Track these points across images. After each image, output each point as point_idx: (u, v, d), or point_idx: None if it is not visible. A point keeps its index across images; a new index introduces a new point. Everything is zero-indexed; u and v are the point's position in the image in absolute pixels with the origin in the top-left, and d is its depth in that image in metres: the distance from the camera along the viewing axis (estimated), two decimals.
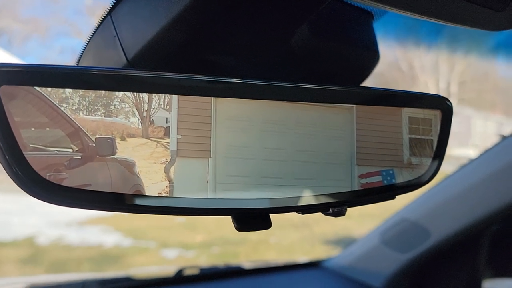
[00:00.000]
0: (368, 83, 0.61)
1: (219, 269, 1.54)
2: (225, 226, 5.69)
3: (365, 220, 5.63)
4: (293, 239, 5.39)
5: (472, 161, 1.33)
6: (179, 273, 1.43)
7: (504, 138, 1.28)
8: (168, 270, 1.50)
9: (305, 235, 5.56)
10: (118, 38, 0.47)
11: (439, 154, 0.56)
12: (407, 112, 0.54)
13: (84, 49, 0.54)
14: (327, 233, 5.68)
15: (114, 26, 0.47)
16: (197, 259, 4.74)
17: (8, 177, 0.36)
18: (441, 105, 0.56)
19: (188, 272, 1.45)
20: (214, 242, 5.25)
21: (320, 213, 0.49)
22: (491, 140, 1.37)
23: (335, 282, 1.57)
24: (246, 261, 3.36)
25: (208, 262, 4.51)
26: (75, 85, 0.37)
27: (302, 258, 1.76)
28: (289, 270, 1.61)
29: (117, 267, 4.51)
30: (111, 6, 0.47)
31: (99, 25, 0.49)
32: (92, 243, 5.18)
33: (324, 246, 5.19)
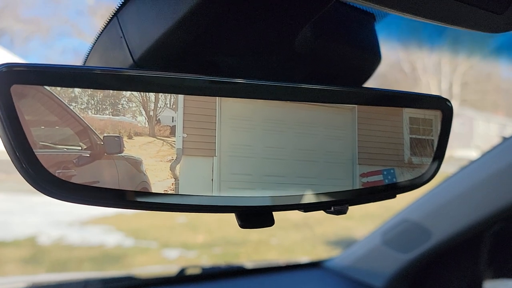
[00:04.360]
0: (370, 84, 0.62)
1: (221, 268, 1.55)
2: (226, 227, 5.70)
3: (366, 221, 5.63)
4: (294, 239, 5.39)
5: (473, 162, 1.34)
6: (181, 272, 1.43)
7: (505, 139, 1.28)
8: (170, 269, 1.50)
9: (306, 236, 5.56)
10: (125, 39, 0.47)
11: (440, 153, 0.57)
12: (408, 113, 0.55)
13: (90, 50, 0.55)
14: (328, 233, 5.67)
15: (120, 27, 0.48)
16: (198, 260, 4.74)
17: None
18: (441, 106, 0.56)
19: (190, 271, 1.45)
20: (215, 242, 5.25)
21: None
22: (493, 141, 1.38)
23: (336, 282, 1.57)
24: (248, 261, 3.37)
25: (209, 262, 4.51)
26: (83, 85, 0.38)
27: (304, 258, 1.77)
28: (291, 270, 1.62)
29: (118, 267, 4.52)
30: (118, 8, 0.48)
31: (105, 26, 0.50)
32: (93, 243, 5.19)
33: (325, 247, 5.19)
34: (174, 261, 4.63)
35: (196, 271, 1.47)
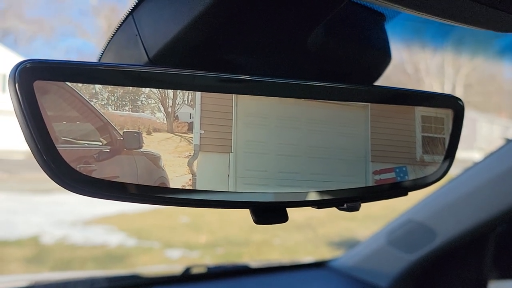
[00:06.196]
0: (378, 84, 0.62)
1: (226, 267, 1.55)
2: (229, 227, 5.71)
3: (368, 222, 5.63)
4: (297, 240, 5.40)
5: (477, 163, 1.34)
6: (187, 271, 1.44)
7: (508, 141, 1.28)
8: (175, 268, 1.51)
9: (308, 237, 5.56)
10: (140, 37, 0.48)
11: (451, 152, 0.57)
12: (420, 111, 0.55)
13: (104, 48, 0.55)
14: (331, 234, 5.67)
15: (136, 25, 0.49)
16: (201, 260, 4.75)
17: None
18: (453, 105, 0.57)
19: (195, 270, 1.46)
20: (218, 242, 5.26)
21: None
22: (497, 143, 1.38)
23: (341, 282, 1.57)
24: (253, 261, 3.37)
25: (213, 262, 4.52)
26: (103, 81, 0.39)
27: (307, 259, 1.77)
28: (295, 270, 1.62)
29: (121, 266, 4.54)
30: (133, 6, 0.49)
31: (121, 24, 0.51)
32: (96, 243, 5.20)
33: (327, 248, 5.19)
34: (177, 261, 4.64)
35: (202, 270, 1.48)
